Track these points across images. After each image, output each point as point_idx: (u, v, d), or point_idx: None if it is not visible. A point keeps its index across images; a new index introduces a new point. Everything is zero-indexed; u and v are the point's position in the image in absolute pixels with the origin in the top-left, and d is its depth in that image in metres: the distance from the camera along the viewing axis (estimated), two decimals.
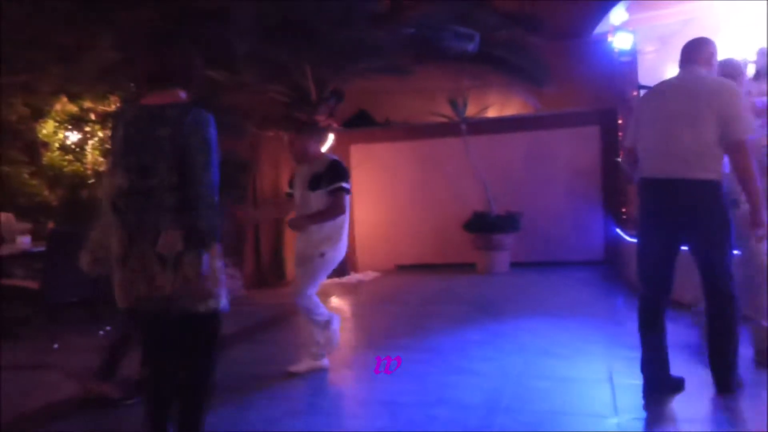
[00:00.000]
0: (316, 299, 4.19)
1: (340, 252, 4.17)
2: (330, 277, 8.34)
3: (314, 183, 4.05)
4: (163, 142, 2.42)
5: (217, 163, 2.46)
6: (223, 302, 2.55)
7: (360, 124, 9.73)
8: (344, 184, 4.04)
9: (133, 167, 2.48)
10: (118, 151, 2.53)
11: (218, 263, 2.52)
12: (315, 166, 4.11)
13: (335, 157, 4.20)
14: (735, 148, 3.20)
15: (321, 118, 8.01)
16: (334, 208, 4.02)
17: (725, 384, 3.26)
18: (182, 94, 2.57)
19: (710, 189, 3.24)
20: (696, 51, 3.44)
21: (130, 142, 2.50)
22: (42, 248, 5.15)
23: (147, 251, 2.43)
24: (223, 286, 2.55)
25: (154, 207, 2.43)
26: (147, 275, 2.43)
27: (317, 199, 4.04)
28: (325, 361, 4.26)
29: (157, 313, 2.50)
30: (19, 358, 4.65)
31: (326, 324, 4.21)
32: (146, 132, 2.47)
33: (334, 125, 8.34)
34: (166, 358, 2.61)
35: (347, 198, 4.07)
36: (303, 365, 4.19)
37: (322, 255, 4.07)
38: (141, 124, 2.50)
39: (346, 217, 4.14)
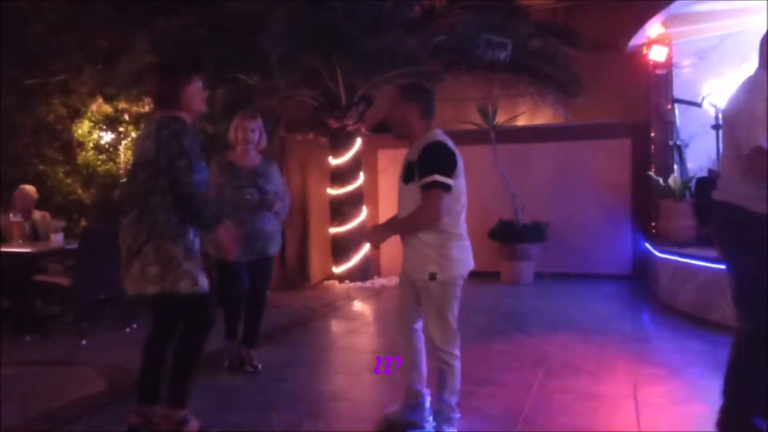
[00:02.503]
0: (459, 345, 3.18)
1: (457, 268, 3.08)
2: (353, 281, 8.49)
3: (408, 173, 3.06)
4: (147, 152, 2.94)
5: (198, 165, 2.93)
6: (183, 286, 2.93)
7: (388, 129, 9.74)
8: (439, 177, 2.93)
9: (130, 174, 3.14)
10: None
11: (183, 252, 2.95)
12: (414, 148, 3.08)
13: (438, 138, 3.06)
14: (746, 162, 2.68)
15: (350, 122, 8.08)
16: (423, 212, 2.98)
17: None
18: (182, 112, 3.02)
19: (722, 213, 2.86)
20: (762, 45, 2.83)
21: (134, 152, 3.16)
22: (74, 246, 5.28)
23: (124, 245, 3.01)
24: (185, 272, 2.94)
25: (133, 207, 2.98)
26: (126, 266, 3.01)
27: (412, 197, 3.04)
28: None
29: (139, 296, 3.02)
30: (49, 353, 4.77)
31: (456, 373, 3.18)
32: (139, 144, 3.08)
33: (363, 130, 8.39)
34: (154, 331, 3.17)
35: (445, 197, 2.97)
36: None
37: (433, 277, 3.02)
38: (140, 137, 3.14)
39: (458, 221, 3.12)
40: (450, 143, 3.07)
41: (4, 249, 5.26)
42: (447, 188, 2.96)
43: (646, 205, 8.16)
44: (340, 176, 8.26)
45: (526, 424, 3.29)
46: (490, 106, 8.40)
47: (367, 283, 8.21)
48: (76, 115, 7.20)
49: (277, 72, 6.65)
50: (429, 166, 2.95)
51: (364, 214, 8.44)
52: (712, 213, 2.97)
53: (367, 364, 4.65)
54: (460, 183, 3.08)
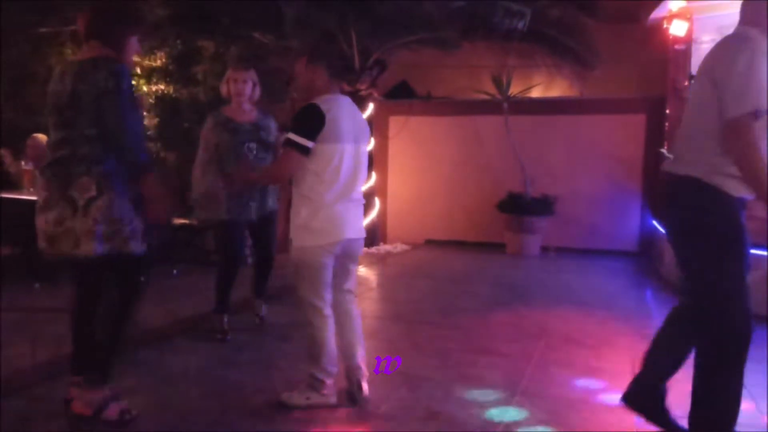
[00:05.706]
0: (319, 314, 3.08)
1: (314, 239, 2.96)
2: None
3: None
4: (82, 95, 2.62)
5: (135, 111, 2.70)
6: (133, 246, 2.76)
7: (401, 95, 9.68)
8: (293, 136, 2.88)
9: (57, 120, 2.71)
10: (50, 106, 2.75)
11: (129, 209, 2.73)
12: None
13: (316, 101, 2.98)
14: (726, 130, 2.35)
15: (362, 87, 8.00)
16: (272, 166, 3.06)
17: None
18: (110, 50, 2.73)
19: (686, 188, 2.50)
20: (745, 5, 2.56)
21: (57, 96, 2.71)
22: None
23: (62, 197, 2.66)
24: (134, 230, 2.75)
25: (71, 156, 2.66)
26: (61, 219, 2.67)
27: None
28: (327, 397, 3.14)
29: (70, 254, 2.72)
30: (58, 300, 4.82)
31: (317, 351, 3.10)
32: (68, 86, 2.66)
33: (375, 95, 8.32)
34: (85, 295, 2.93)
35: (298, 157, 2.90)
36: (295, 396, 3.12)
37: (292, 242, 3.05)
38: (65, 79, 2.69)
39: (321, 188, 2.94)
40: (325, 107, 2.94)
41: (15, 196, 5.30)
42: (301, 149, 2.89)
43: (657, 183, 8.10)
44: None
45: (524, 394, 3.33)
46: (505, 76, 8.30)
47: (372, 249, 8.24)
48: None
49: (292, 32, 6.57)
50: (291, 126, 2.95)
51: (373, 179, 8.43)
52: (671, 188, 2.61)
53: (370, 329, 4.70)
54: (330, 148, 2.94)
